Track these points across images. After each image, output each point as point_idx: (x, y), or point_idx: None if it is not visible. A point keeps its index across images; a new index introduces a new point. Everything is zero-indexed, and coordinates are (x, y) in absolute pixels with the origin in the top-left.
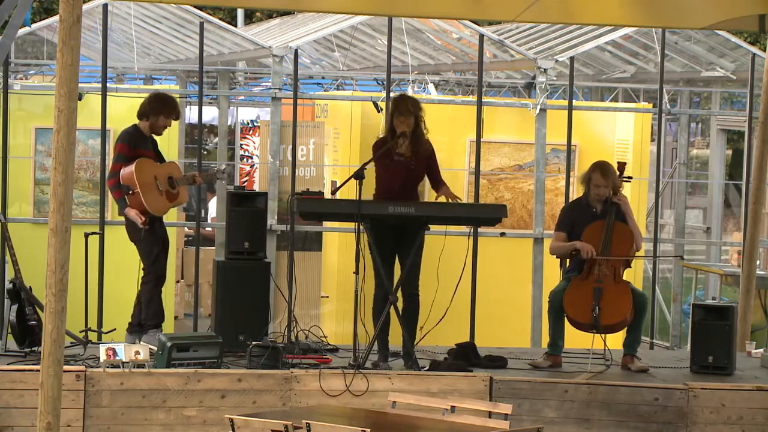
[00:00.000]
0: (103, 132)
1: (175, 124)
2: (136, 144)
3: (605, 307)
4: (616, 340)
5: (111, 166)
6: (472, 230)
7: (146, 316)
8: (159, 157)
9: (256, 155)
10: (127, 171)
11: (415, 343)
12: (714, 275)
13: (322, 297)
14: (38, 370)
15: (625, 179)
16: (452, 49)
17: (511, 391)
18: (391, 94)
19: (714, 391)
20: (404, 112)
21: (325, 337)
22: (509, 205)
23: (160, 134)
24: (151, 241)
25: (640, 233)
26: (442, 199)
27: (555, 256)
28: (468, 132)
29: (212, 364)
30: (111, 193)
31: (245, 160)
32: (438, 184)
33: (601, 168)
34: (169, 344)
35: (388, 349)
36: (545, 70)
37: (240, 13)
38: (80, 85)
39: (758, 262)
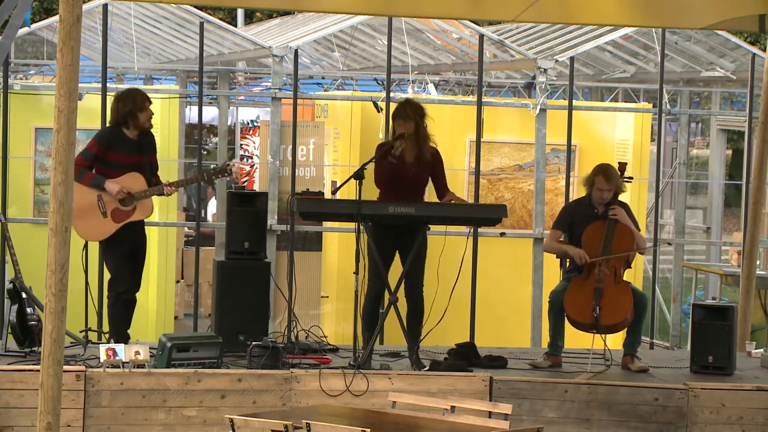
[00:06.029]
0: None
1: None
2: (110, 144)
3: (605, 307)
4: (616, 340)
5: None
6: (472, 230)
7: (108, 331)
8: (142, 161)
9: (256, 155)
10: None
11: (418, 345)
12: (714, 275)
13: (322, 297)
14: (38, 370)
15: (625, 179)
16: (452, 49)
17: (511, 391)
18: (392, 94)
19: (714, 391)
20: (403, 116)
21: (325, 337)
22: (509, 205)
23: (148, 128)
24: (113, 254)
25: (643, 239)
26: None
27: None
28: (468, 132)
29: (212, 364)
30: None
31: (245, 160)
32: (443, 192)
33: (604, 172)
34: (169, 344)
35: (373, 346)
36: (545, 70)
37: (240, 13)
38: (80, 85)
39: (758, 262)
